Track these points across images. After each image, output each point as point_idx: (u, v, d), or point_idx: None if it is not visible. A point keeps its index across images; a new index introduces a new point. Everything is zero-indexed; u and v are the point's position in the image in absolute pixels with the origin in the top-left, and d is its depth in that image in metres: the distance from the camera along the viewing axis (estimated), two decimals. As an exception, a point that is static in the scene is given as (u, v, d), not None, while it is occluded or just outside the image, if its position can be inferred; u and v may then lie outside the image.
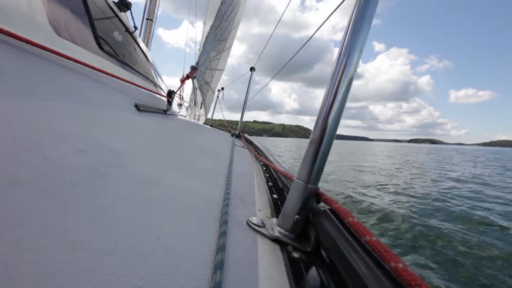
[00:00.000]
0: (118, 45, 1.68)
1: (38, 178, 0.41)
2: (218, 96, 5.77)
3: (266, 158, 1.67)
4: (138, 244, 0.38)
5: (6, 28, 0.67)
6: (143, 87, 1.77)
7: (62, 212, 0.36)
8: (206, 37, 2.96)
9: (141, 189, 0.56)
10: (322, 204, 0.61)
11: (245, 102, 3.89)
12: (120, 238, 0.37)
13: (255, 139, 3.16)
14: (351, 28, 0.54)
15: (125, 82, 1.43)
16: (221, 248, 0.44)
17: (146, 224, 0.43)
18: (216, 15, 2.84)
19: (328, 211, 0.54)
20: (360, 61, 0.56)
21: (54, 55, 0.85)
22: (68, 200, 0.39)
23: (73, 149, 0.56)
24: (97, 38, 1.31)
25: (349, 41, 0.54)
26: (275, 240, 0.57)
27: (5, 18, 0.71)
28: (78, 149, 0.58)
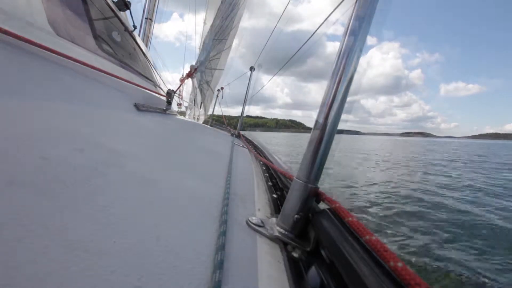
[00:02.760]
0: (118, 45, 1.68)
1: (38, 178, 0.41)
2: (218, 96, 5.77)
3: (266, 157, 1.67)
4: (137, 244, 0.38)
5: (5, 27, 0.66)
6: (142, 87, 1.76)
7: (62, 212, 0.36)
8: (206, 37, 2.96)
9: (141, 189, 0.56)
10: (321, 203, 0.61)
11: (244, 101, 3.90)
12: (119, 238, 0.37)
13: (252, 137, 3.16)
14: (351, 27, 0.54)
15: (124, 82, 1.43)
16: (220, 248, 0.44)
17: (146, 224, 0.43)
18: (216, 15, 2.84)
19: (328, 210, 0.54)
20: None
21: (54, 54, 0.85)
22: (67, 200, 0.39)
23: (72, 149, 0.56)
24: (96, 37, 1.30)
25: (349, 40, 0.53)
26: (275, 239, 0.57)
27: (4, 18, 0.71)
28: (77, 149, 0.58)
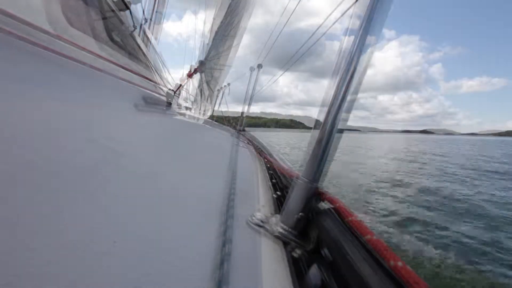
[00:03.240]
0: (118, 45, 1.68)
1: (38, 178, 0.41)
2: (218, 95, 5.77)
3: (268, 156, 1.67)
4: (138, 244, 0.38)
5: (6, 27, 0.67)
6: (142, 87, 1.77)
7: (62, 212, 0.36)
8: (206, 37, 2.97)
9: (141, 188, 0.56)
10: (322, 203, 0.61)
11: (245, 100, 3.90)
12: (120, 238, 0.37)
13: (252, 137, 3.18)
14: (351, 27, 0.54)
15: (124, 82, 1.43)
16: (221, 247, 0.44)
17: (146, 224, 0.43)
18: (216, 15, 2.84)
19: (329, 210, 0.54)
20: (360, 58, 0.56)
21: (54, 54, 0.85)
22: (68, 200, 0.39)
23: (72, 149, 0.56)
24: (96, 37, 1.31)
25: (349, 39, 0.53)
26: (276, 238, 0.57)
27: (5, 18, 0.71)
28: (78, 148, 0.58)
